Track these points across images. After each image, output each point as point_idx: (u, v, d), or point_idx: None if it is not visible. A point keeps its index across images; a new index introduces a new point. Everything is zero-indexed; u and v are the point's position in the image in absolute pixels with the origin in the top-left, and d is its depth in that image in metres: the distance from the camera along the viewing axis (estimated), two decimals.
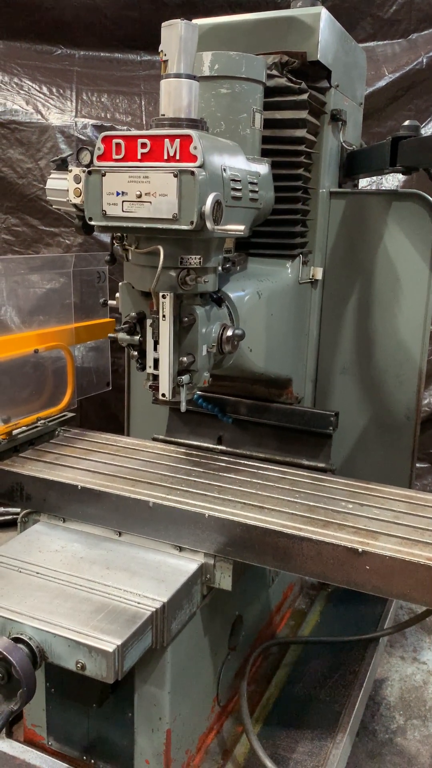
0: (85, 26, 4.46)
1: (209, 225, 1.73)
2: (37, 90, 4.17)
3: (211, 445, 2.72)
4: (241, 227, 1.86)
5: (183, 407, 2.02)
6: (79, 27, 4.46)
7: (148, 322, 1.99)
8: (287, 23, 2.45)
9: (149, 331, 1.99)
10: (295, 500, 2.14)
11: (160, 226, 1.78)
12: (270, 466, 2.42)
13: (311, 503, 2.12)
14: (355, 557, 1.83)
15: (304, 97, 2.40)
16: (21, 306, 2.52)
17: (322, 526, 1.96)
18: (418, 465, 3.38)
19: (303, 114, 2.41)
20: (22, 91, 4.12)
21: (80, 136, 4.08)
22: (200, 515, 2.01)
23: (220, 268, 2.05)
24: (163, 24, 1.82)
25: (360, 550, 1.82)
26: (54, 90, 4.20)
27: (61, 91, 4.21)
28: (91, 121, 4.13)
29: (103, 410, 4.16)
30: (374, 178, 4.18)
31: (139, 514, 2.10)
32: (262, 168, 2.24)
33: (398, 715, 2.83)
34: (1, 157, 4.06)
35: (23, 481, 2.27)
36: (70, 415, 2.70)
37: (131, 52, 4.56)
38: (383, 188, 4.21)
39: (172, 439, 2.77)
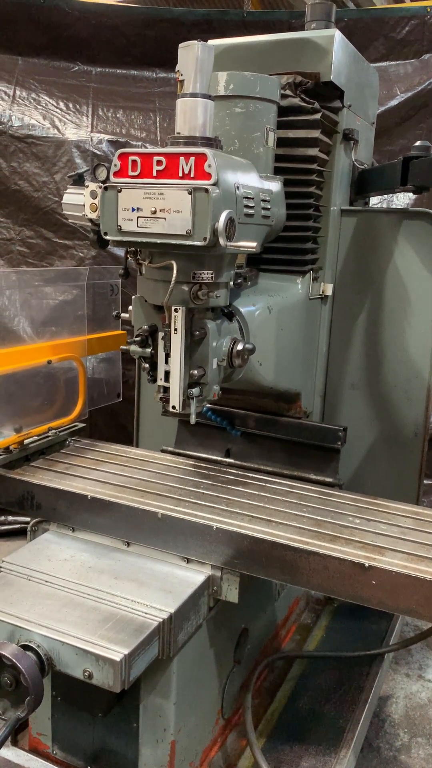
0: (102, 44, 4.56)
1: (222, 241, 1.76)
2: (54, 105, 4.24)
3: (219, 458, 2.74)
4: (253, 244, 1.89)
5: (193, 419, 2.04)
6: (97, 44, 4.55)
7: (160, 335, 2.02)
8: (301, 45, 2.50)
9: (161, 344, 2.02)
10: (303, 514, 2.15)
11: (173, 242, 1.82)
12: (278, 480, 2.44)
13: (319, 517, 2.14)
14: (361, 572, 1.84)
15: (317, 116, 2.44)
16: (35, 317, 2.56)
17: (330, 541, 1.97)
18: (425, 481, 3.38)
19: (316, 133, 2.45)
20: (39, 107, 4.20)
21: (95, 151, 4.15)
22: (208, 527, 2.03)
23: (231, 283, 2.08)
24: (180, 45, 1.87)
25: (366, 565, 1.83)
26: (71, 105, 4.27)
27: (78, 106, 4.29)
28: (107, 137, 4.19)
29: (113, 421, 4.19)
30: (385, 196, 4.22)
31: (148, 525, 2.12)
32: (275, 186, 2.27)
33: (403, 732, 2.81)
34: (18, 171, 4.13)
35: (34, 490, 2.30)
36: (81, 425, 2.73)
37: (147, 69, 4.64)
38: (394, 207, 4.24)
39: (181, 451, 2.79)
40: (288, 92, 2.41)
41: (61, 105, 4.26)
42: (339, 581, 1.87)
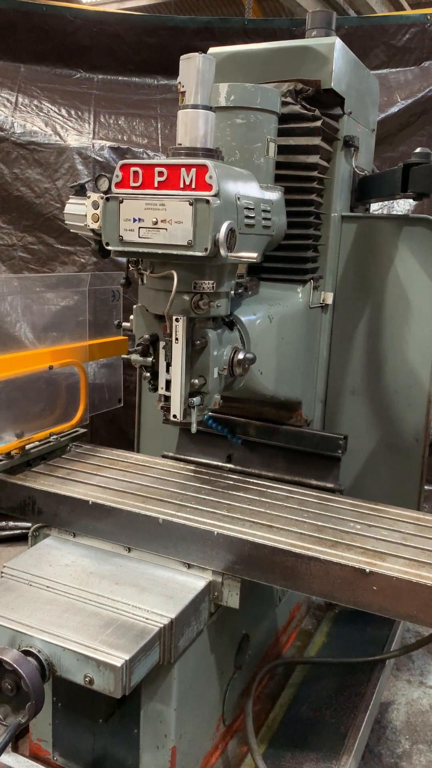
0: (104, 51, 4.59)
1: (223, 252, 1.77)
2: (56, 112, 4.27)
3: (220, 464, 2.74)
4: (254, 254, 1.90)
5: (194, 428, 2.05)
6: (98, 52, 4.59)
7: (161, 344, 2.03)
8: (302, 52, 2.51)
9: (162, 353, 2.03)
10: (304, 520, 2.16)
11: (175, 252, 1.83)
12: (279, 486, 2.44)
13: (319, 523, 2.14)
14: (362, 577, 1.84)
15: (318, 123, 2.45)
16: (36, 323, 2.56)
17: (330, 546, 1.97)
18: (426, 487, 3.38)
19: (316, 140, 2.46)
20: (41, 113, 4.22)
21: (97, 158, 4.16)
22: (209, 533, 2.03)
23: (232, 292, 2.08)
24: (181, 57, 1.88)
25: (367, 570, 1.83)
26: (72, 112, 4.30)
27: (80, 113, 4.31)
28: (108, 143, 4.21)
29: (114, 426, 4.20)
30: (385, 202, 4.23)
31: (149, 531, 2.12)
32: (275, 196, 2.28)
33: (404, 739, 2.80)
34: (20, 177, 4.15)
35: (35, 495, 2.30)
36: (82, 431, 2.73)
37: (148, 77, 4.67)
38: (394, 213, 4.26)
39: (182, 457, 2.79)
40: (289, 99, 2.42)
41: (63, 112, 4.28)
42: (340, 587, 1.88)
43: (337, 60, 2.49)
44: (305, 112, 2.43)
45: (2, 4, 4.44)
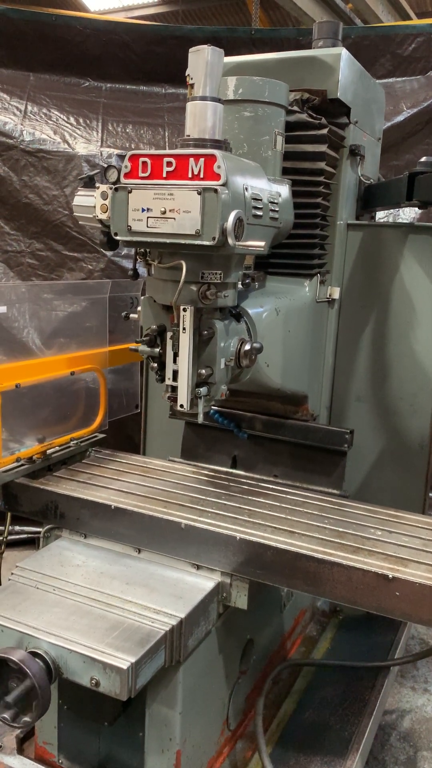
0: (112, 60, 4.63)
1: (231, 241, 1.78)
2: (64, 120, 4.31)
3: (229, 470, 2.74)
4: (262, 243, 1.91)
5: (200, 419, 2.05)
6: (107, 61, 4.63)
7: (169, 334, 2.03)
8: (309, 62, 2.53)
9: (169, 343, 2.03)
10: (324, 526, 2.15)
11: (183, 241, 1.84)
12: (297, 491, 2.44)
13: (340, 529, 2.13)
14: (385, 583, 1.84)
15: (324, 132, 2.47)
16: (57, 330, 2.57)
17: (353, 552, 1.97)
18: (431, 494, 3.39)
19: (322, 148, 2.48)
20: (50, 121, 4.26)
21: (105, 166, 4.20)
22: (232, 538, 2.03)
23: (239, 284, 2.09)
24: (190, 49, 1.89)
25: (390, 576, 1.83)
26: (81, 120, 4.34)
27: (88, 121, 4.35)
28: (116, 151, 4.24)
29: (120, 432, 4.20)
30: (391, 210, 4.26)
31: (170, 535, 2.12)
32: (283, 189, 2.29)
33: (408, 746, 2.80)
34: (29, 184, 4.18)
35: (57, 499, 2.29)
36: (101, 436, 2.73)
37: (156, 85, 4.71)
38: (400, 221, 4.28)
39: (189, 462, 2.80)
40: (296, 108, 2.44)
41: (72, 120, 4.32)
42: (362, 592, 1.87)
43: (344, 70, 2.51)
44: (312, 120, 2.45)
45: (13, 14, 4.49)
